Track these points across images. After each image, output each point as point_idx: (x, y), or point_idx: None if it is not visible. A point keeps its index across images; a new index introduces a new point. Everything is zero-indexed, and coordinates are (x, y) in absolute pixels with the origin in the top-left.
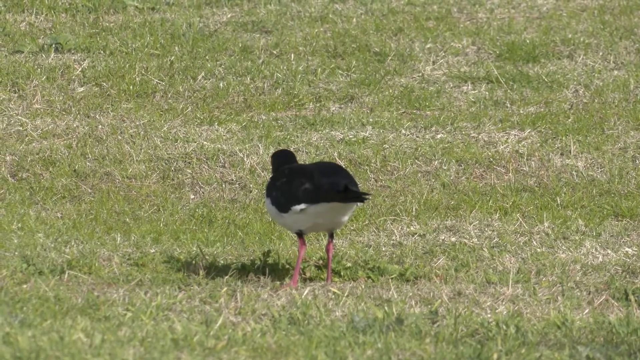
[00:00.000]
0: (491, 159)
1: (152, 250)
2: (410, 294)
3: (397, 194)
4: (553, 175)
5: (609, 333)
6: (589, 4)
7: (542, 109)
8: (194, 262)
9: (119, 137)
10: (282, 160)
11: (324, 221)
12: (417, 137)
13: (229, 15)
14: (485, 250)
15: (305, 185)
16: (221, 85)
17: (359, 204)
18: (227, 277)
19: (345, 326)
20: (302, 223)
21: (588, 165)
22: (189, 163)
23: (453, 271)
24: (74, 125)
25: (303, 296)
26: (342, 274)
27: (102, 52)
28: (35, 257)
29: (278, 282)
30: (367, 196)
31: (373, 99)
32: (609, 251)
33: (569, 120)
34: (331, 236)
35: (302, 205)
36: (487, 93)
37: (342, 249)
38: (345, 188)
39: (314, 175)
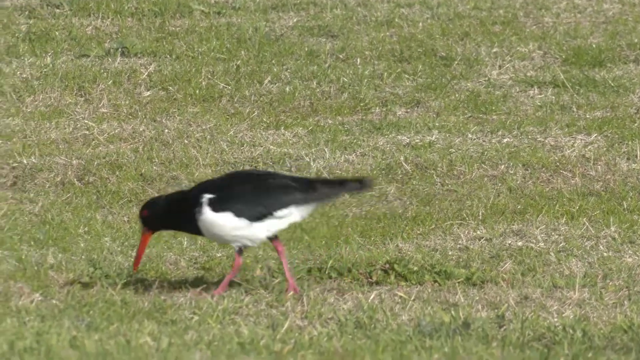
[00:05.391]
0: (558, 164)
1: (219, 254)
2: (477, 298)
3: (464, 198)
4: (619, 180)
5: None
6: None
7: (608, 114)
8: (260, 265)
9: (186, 141)
10: (172, 193)
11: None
12: (484, 141)
13: (295, 20)
14: (552, 254)
15: (295, 188)
16: (287, 89)
17: None
18: None
19: (411, 330)
20: (272, 230)
21: None
22: (256, 167)
23: (520, 275)
24: (141, 129)
25: (369, 300)
26: (408, 277)
27: (168, 56)
28: (101, 260)
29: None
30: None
31: (439, 103)
32: None
33: (635, 124)
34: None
35: (291, 209)
36: (553, 97)
37: (409, 252)
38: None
39: (283, 180)
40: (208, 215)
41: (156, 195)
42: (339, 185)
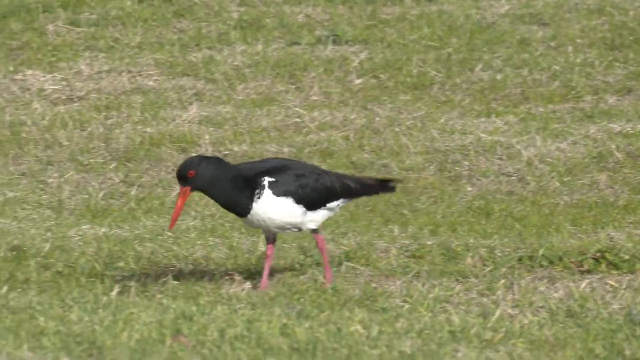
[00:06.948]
0: None
1: (430, 242)
2: None
3: None
4: None
5: None
6: None
7: None
8: (470, 254)
9: (396, 129)
10: (225, 162)
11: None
12: None
13: (506, 7)
14: None
15: (348, 181)
16: (498, 77)
17: None
18: (504, 269)
19: (622, 319)
20: (320, 221)
21: None
22: (466, 155)
23: None
24: (352, 117)
25: (580, 289)
26: (619, 266)
27: (379, 44)
28: (312, 248)
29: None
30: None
31: None
32: None
33: None
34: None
35: (340, 201)
36: None
37: (620, 241)
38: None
39: (328, 172)
40: (268, 198)
41: (196, 155)
42: (375, 183)
